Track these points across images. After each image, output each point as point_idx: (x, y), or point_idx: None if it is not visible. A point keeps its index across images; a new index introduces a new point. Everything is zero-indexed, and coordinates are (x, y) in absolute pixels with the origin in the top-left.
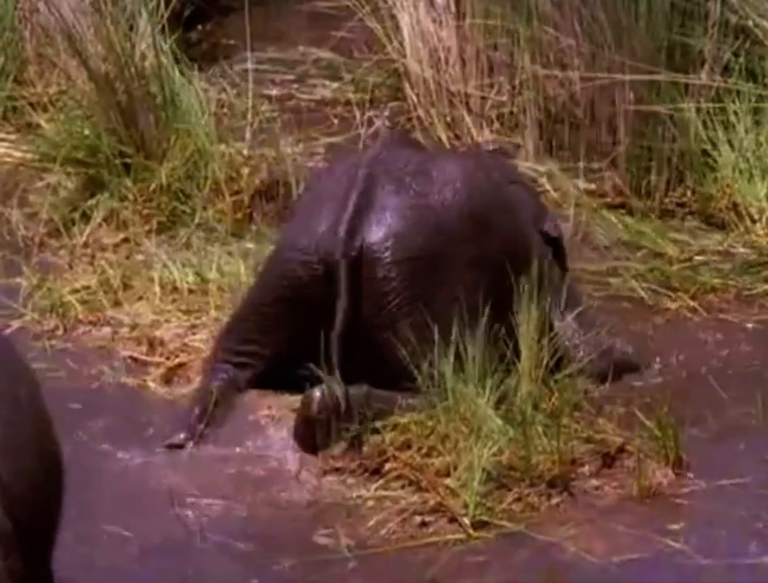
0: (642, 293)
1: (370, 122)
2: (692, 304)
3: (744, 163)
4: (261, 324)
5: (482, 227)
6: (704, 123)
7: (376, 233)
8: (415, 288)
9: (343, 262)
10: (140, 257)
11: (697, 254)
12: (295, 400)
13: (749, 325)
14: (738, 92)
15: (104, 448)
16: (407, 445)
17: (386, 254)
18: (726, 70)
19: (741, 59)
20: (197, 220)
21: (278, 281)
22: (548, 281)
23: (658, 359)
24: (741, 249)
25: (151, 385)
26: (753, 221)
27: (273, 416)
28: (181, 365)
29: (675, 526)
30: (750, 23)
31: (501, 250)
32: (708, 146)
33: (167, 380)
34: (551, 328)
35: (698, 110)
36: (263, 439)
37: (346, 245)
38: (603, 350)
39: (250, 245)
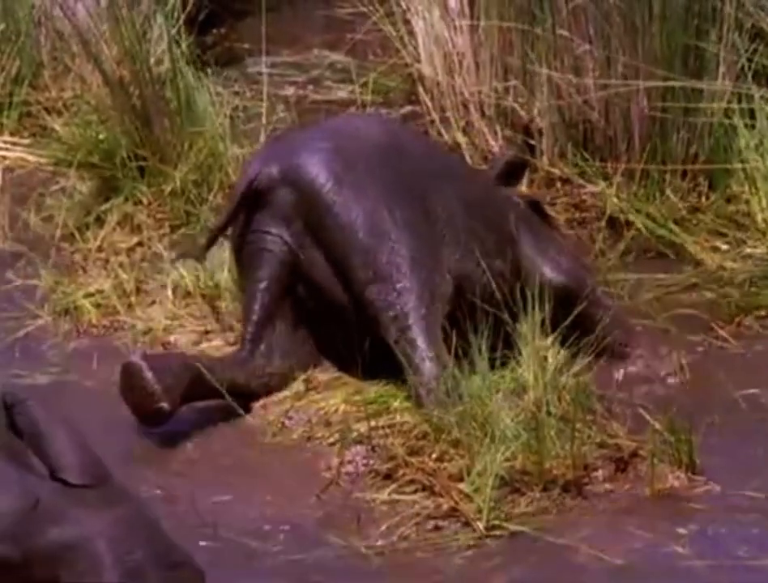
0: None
1: None
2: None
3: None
4: None
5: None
6: (720, 127)
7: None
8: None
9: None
10: (154, 260)
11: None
12: (307, 401)
13: None
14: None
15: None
16: (416, 451)
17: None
18: (742, 74)
19: (757, 63)
20: (210, 224)
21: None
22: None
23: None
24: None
25: None
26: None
27: (284, 417)
28: None
29: (688, 531)
30: (765, 26)
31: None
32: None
33: None
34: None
35: (712, 114)
36: (274, 440)
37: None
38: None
39: None
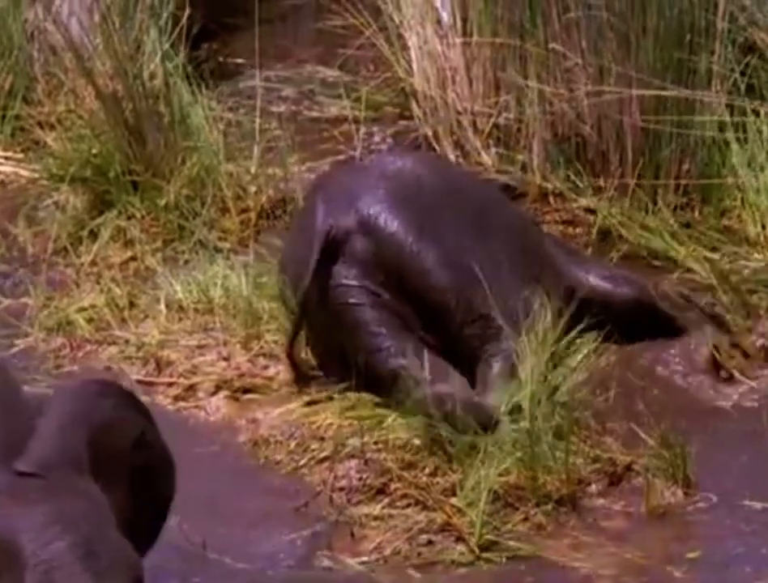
0: None
1: (374, 139)
2: None
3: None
4: None
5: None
6: (712, 141)
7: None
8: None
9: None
10: (146, 275)
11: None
12: (300, 416)
13: None
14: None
15: None
16: (409, 465)
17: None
18: (734, 87)
19: (753, 78)
20: (203, 239)
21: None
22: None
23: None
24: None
25: (164, 403)
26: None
27: (277, 432)
28: (192, 386)
29: (684, 546)
30: (758, 40)
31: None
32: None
33: (180, 400)
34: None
35: (705, 128)
36: (267, 455)
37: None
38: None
39: (255, 264)
